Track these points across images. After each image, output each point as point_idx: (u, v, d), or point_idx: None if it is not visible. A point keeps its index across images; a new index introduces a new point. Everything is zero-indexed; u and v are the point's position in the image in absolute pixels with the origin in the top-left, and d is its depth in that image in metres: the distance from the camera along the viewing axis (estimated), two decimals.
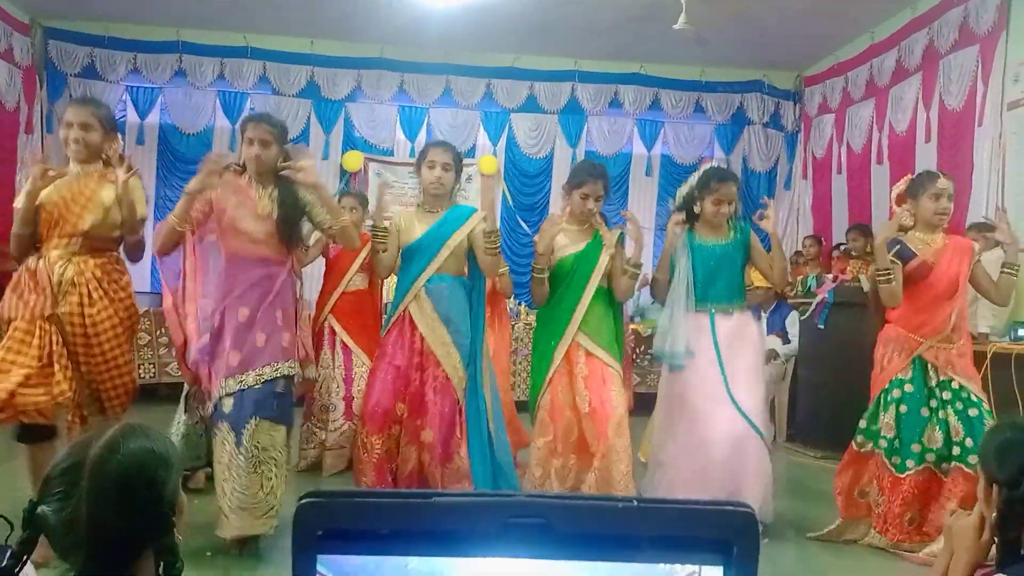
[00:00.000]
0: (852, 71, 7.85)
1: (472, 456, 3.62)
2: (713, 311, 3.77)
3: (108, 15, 7.87)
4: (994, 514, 1.66)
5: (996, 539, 1.67)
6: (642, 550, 0.59)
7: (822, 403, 5.95)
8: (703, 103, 8.75)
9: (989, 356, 4.55)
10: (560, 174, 8.70)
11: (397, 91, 8.49)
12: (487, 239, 3.60)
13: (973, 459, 3.33)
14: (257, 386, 3.13)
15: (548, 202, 8.60)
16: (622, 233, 3.84)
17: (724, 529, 0.60)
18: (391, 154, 8.50)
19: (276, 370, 3.17)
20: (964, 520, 1.76)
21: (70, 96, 7.86)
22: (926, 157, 6.60)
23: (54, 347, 3.12)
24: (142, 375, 6.40)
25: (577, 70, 8.59)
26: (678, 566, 0.60)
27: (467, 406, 3.64)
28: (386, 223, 3.74)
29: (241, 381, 3.14)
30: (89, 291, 3.18)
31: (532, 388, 3.90)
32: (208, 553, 3.18)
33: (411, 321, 3.61)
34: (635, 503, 0.60)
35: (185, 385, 4.10)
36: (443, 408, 3.56)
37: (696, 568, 0.60)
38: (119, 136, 3.40)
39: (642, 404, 4.86)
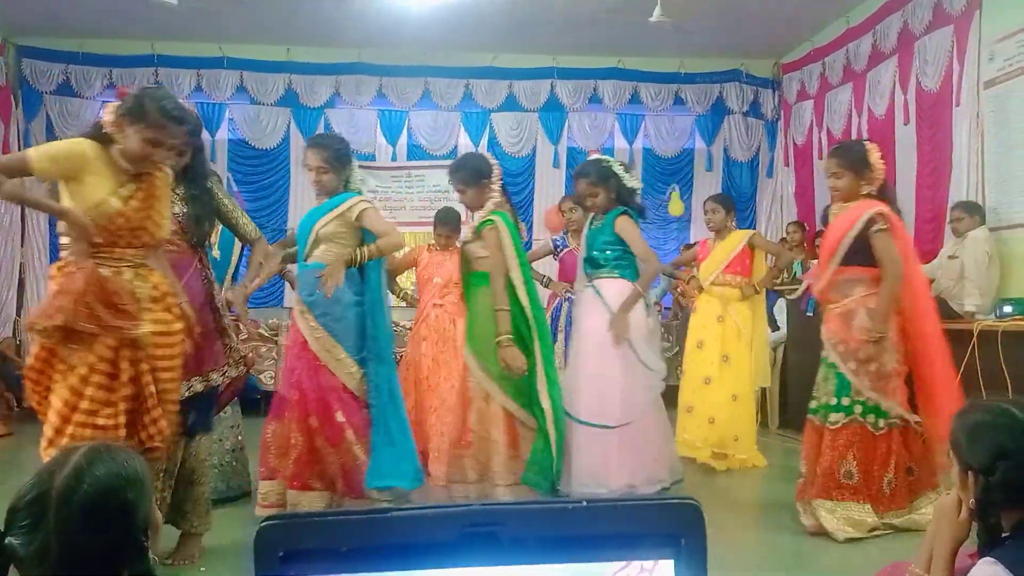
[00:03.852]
0: (829, 56, 7.89)
1: (378, 439, 3.64)
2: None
3: (82, 31, 7.83)
4: (972, 500, 1.65)
5: (977, 524, 1.66)
6: (595, 549, 0.61)
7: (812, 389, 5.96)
8: (682, 95, 8.78)
9: (976, 334, 4.59)
10: (542, 172, 8.72)
11: (376, 96, 8.48)
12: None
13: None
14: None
15: (531, 200, 8.61)
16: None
17: (671, 523, 0.62)
18: (372, 159, 8.48)
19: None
20: (945, 499, 1.76)
21: (47, 115, 7.81)
22: (905, 139, 6.64)
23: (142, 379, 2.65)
24: None
25: (556, 67, 8.61)
26: (631, 562, 0.61)
27: (370, 393, 3.66)
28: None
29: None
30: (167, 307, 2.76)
31: None
32: (202, 568, 3.17)
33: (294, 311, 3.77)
34: (584, 503, 0.62)
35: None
36: (315, 391, 3.58)
37: (648, 563, 0.61)
38: None
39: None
